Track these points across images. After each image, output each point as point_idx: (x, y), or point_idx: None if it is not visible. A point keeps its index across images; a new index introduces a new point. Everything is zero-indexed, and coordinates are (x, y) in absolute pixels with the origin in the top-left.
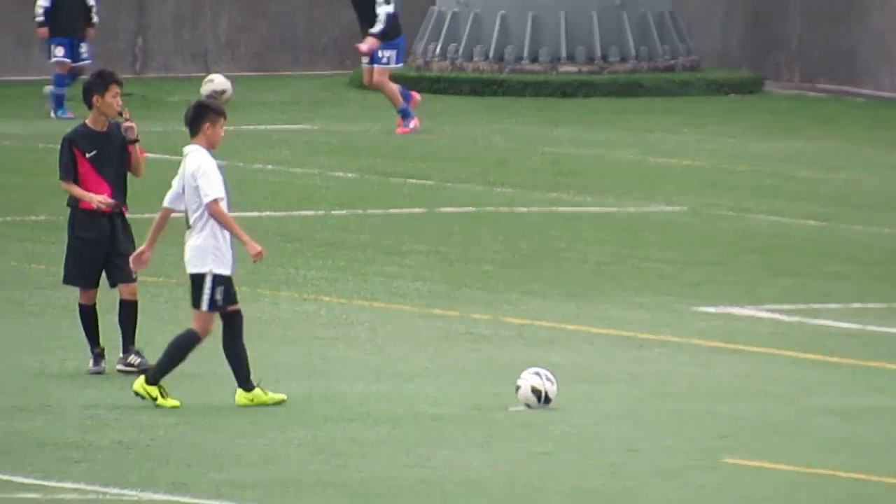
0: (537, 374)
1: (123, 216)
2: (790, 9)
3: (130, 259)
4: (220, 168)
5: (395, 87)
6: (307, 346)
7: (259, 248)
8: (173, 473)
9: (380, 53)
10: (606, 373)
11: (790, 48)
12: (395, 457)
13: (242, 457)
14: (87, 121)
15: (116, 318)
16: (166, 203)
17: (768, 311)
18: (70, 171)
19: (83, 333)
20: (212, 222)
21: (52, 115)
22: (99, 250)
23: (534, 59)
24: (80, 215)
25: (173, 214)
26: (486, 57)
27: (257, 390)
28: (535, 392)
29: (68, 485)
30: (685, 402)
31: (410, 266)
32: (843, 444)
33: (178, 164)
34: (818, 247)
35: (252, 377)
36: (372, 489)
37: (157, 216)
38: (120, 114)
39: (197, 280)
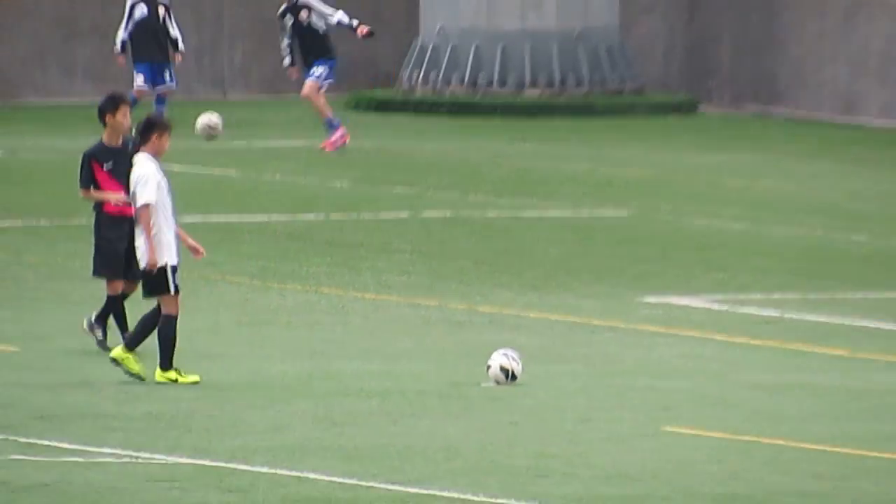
0: (505, 355)
1: (132, 219)
2: (721, 41)
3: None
4: (165, 174)
5: (323, 101)
6: (309, 330)
7: (155, 261)
8: (195, 440)
9: (313, 69)
10: (564, 354)
11: (721, 75)
12: (384, 426)
13: (254, 426)
14: (102, 137)
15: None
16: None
17: (702, 300)
18: (88, 181)
19: (114, 320)
20: (157, 219)
21: None
22: (121, 248)
23: (502, 85)
24: (104, 218)
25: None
26: (462, 83)
27: (172, 371)
28: (504, 371)
29: (106, 450)
30: (631, 379)
31: (397, 262)
32: (766, 414)
33: (199, 178)
34: (744, 245)
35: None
36: (364, 454)
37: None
38: (130, 130)
39: (159, 272)
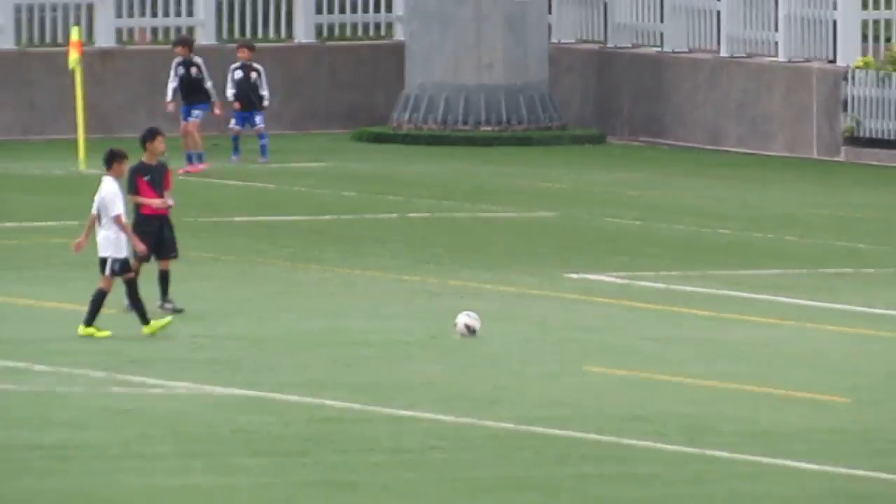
0: (468, 315)
1: (167, 217)
2: (622, 92)
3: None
4: (121, 188)
5: (199, 139)
6: (326, 299)
7: (143, 247)
8: (244, 377)
9: (194, 112)
10: (510, 315)
11: (622, 116)
12: (381, 367)
13: (286, 367)
14: (143, 158)
15: (158, 279)
16: (93, 211)
17: (610, 276)
18: (133, 189)
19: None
20: (110, 223)
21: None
22: (152, 238)
23: (465, 123)
24: (141, 217)
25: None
26: (436, 122)
27: (92, 328)
28: (467, 327)
29: (179, 384)
30: (559, 333)
31: (389, 250)
32: (656, 358)
33: (248, 189)
34: (640, 237)
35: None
36: (367, 387)
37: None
38: (163, 153)
39: (103, 260)
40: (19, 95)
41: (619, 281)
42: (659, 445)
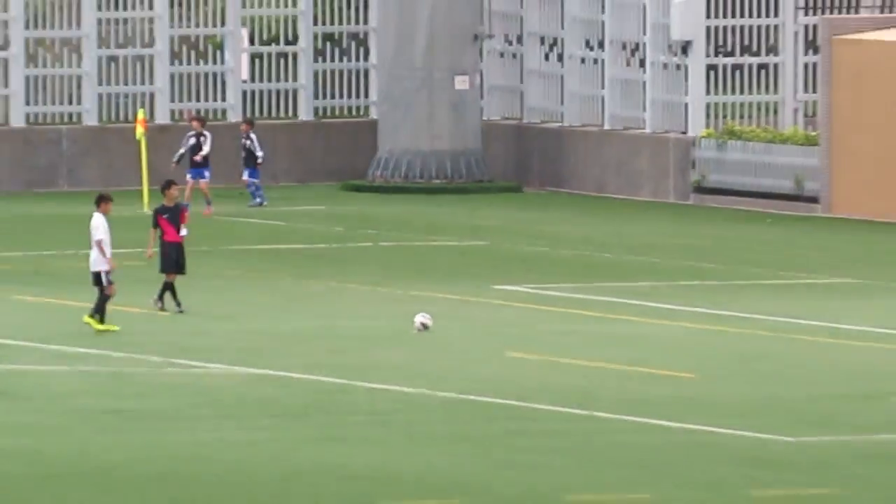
0: (423, 315)
1: (181, 244)
2: (534, 154)
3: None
4: (108, 222)
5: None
6: (322, 304)
7: (113, 266)
8: (264, 361)
9: (205, 172)
10: (452, 315)
11: (534, 171)
12: (360, 353)
13: (291, 352)
14: (164, 201)
15: (166, 286)
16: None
17: (525, 287)
18: (155, 223)
19: (170, 293)
20: (95, 245)
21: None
22: (173, 257)
23: (421, 178)
24: (164, 243)
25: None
26: (400, 177)
27: (93, 319)
28: (423, 324)
29: (216, 366)
30: (487, 327)
31: (368, 268)
32: (557, 345)
33: (265, 226)
34: (547, 260)
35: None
36: (350, 367)
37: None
38: (177, 198)
39: (97, 274)
40: (101, 159)
41: (531, 291)
42: (561, 409)
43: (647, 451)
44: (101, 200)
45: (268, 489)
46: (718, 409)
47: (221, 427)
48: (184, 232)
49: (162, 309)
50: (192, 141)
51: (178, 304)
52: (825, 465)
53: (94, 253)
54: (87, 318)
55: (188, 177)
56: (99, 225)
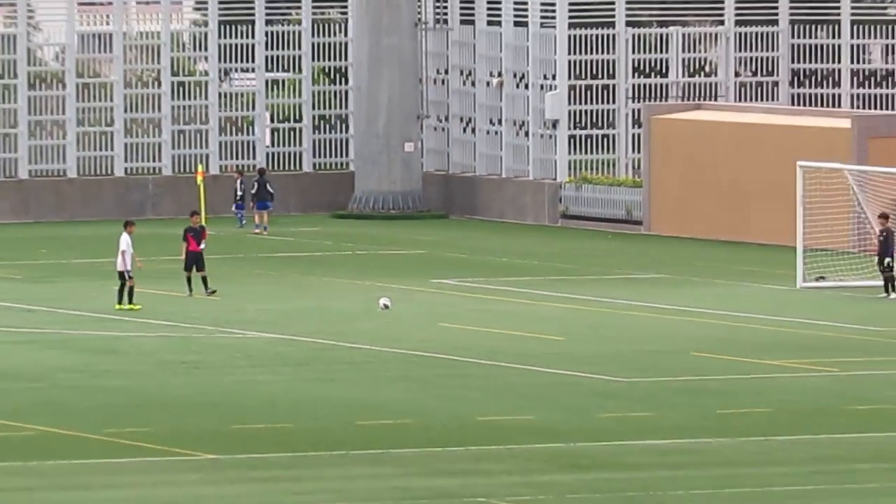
0: (385, 298)
1: (201, 252)
2: (456, 194)
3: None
4: (131, 238)
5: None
6: (318, 291)
7: (140, 266)
8: (279, 329)
9: (268, 204)
10: (405, 299)
11: (456, 205)
12: (341, 324)
13: (298, 323)
14: (191, 223)
15: (202, 281)
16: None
17: (452, 281)
18: (184, 238)
19: (188, 284)
20: (127, 256)
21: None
22: (192, 260)
23: (383, 209)
24: (189, 252)
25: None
26: (370, 209)
27: (121, 305)
28: (385, 305)
29: (250, 332)
30: (428, 308)
31: (349, 268)
32: (476, 319)
33: (279, 241)
34: (466, 263)
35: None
36: (337, 334)
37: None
38: (198, 222)
39: (121, 272)
40: (174, 197)
41: (456, 283)
42: (474, 360)
43: (532, 388)
44: (128, 224)
45: (283, 411)
46: (578, 360)
47: (253, 372)
48: (203, 245)
49: (190, 293)
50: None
51: (208, 290)
52: (648, 397)
53: (119, 259)
54: (117, 307)
55: (256, 207)
56: (123, 241)
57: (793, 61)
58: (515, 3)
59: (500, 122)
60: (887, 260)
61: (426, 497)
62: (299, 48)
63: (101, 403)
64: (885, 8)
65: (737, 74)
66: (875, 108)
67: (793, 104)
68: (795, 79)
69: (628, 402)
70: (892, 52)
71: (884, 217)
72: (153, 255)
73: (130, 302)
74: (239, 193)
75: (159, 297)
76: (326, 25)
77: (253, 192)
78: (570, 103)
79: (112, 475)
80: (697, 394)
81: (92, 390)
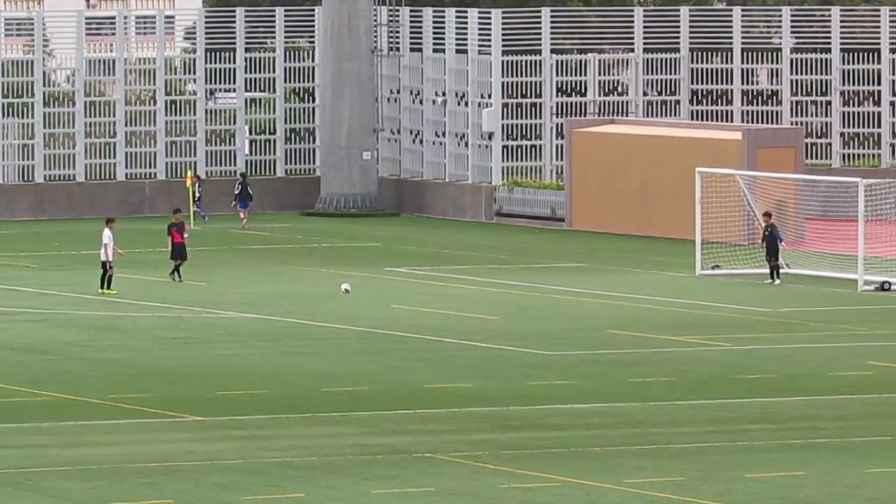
0: (347, 283)
1: (184, 244)
2: (407, 195)
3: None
4: (112, 233)
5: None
6: (292, 278)
7: (122, 255)
8: (258, 310)
9: (248, 204)
10: (364, 285)
11: (406, 205)
12: (313, 305)
13: (276, 305)
14: (173, 219)
15: (177, 269)
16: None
17: (405, 269)
18: (168, 232)
19: (176, 273)
20: (102, 247)
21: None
22: (177, 251)
23: (345, 208)
24: (174, 243)
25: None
26: (334, 208)
27: (104, 290)
28: (346, 290)
29: (232, 313)
30: (383, 292)
31: (316, 259)
32: (425, 302)
33: (258, 236)
34: (415, 253)
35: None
36: (308, 314)
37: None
38: (180, 218)
39: (104, 262)
40: (167, 199)
41: (406, 271)
42: (422, 336)
43: (471, 360)
44: (109, 221)
45: (259, 379)
46: (510, 336)
47: (234, 346)
48: (186, 235)
49: (175, 280)
50: (239, 186)
51: (181, 279)
52: (570, 368)
53: (101, 250)
54: (101, 291)
55: (238, 206)
56: (105, 235)
57: (692, 83)
58: (457, 33)
59: (444, 134)
60: (781, 248)
61: (381, 452)
62: (273, 72)
63: (105, 373)
64: (771, 38)
65: (645, 94)
66: (762, 122)
67: (692, 119)
68: (694, 97)
69: (553, 372)
70: (777, 75)
71: (767, 215)
72: (148, 246)
73: (108, 287)
74: (197, 195)
75: (153, 282)
76: (296, 53)
77: (237, 192)
78: (503, 118)
79: (114, 434)
80: (612, 365)
81: (97, 362)
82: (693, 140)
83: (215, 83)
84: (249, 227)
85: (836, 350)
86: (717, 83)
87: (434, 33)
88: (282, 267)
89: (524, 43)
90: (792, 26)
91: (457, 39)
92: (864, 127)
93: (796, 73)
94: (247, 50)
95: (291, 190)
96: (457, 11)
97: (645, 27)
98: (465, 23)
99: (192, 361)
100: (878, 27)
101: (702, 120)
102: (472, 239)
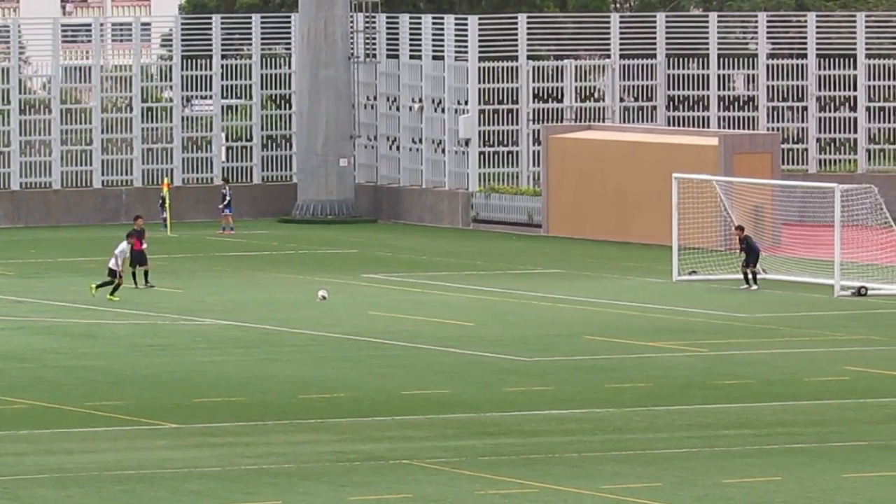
0: (323, 290)
1: (143, 251)
2: (384, 201)
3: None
4: (129, 247)
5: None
6: (268, 285)
7: (121, 268)
8: (233, 316)
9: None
10: (341, 291)
11: (384, 211)
12: (290, 312)
13: (251, 312)
14: (134, 227)
15: (143, 274)
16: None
17: (380, 275)
18: (128, 239)
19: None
20: (119, 257)
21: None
22: (136, 257)
23: (321, 215)
24: (133, 251)
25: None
26: (310, 214)
27: (93, 287)
28: (323, 296)
29: (208, 320)
30: (360, 298)
31: (292, 265)
32: (402, 308)
33: (237, 243)
34: (391, 260)
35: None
36: (284, 321)
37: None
38: (141, 225)
39: (111, 269)
40: (143, 205)
41: (383, 277)
42: (398, 342)
43: (448, 367)
44: (128, 235)
45: (236, 387)
46: (487, 343)
47: (210, 353)
48: (145, 245)
49: (140, 287)
50: (225, 193)
51: (148, 284)
52: (547, 373)
53: (112, 260)
54: (92, 287)
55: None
56: (122, 246)
57: (669, 88)
58: (433, 39)
59: (420, 140)
60: (759, 262)
61: (359, 459)
62: (250, 79)
63: (81, 381)
64: (747, 43)
65: (621, 100)
66: (739, 128)
67: (669, 125)
68: (671, 103)
69: (530, 378)
70: (753, 81)
71: (740, 229)
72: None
73: (113, 293)
74: (227, 198)
75: (130, 290)
76: (273, 60)
77: (230, 198)
78: (480, 125)
79: (91, 442)
80: (589, 371)
81: (73, 369)
82: (670, 146)
83: (192, 90)
84: (226, 233)
85: (812, 355)
86: (693, 89)
87: (411, 40)
88: (258, 274)
89: (501, 49)
90: (768, 32)
91: (433, 46)
92: (840, 132)
93: (772, 79)
94: (223, 57)
95: (268, 197)
96: (433, 18)
97: (621, 33)
98: (442, 29)
99: (169, 369)
100: (854, 32)
101: (678, 126)
102: (448, 245)
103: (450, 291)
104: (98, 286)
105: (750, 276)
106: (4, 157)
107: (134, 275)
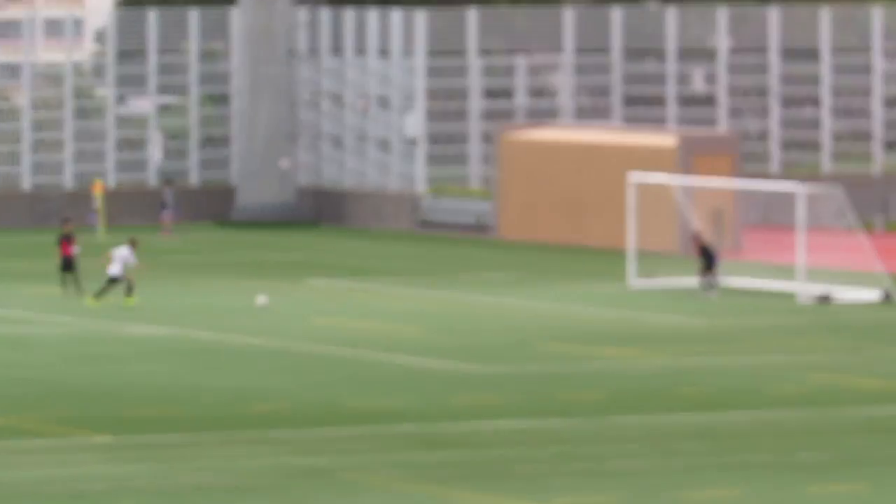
0: (263, 296)
1: (73, 256)
2: (329, 205)
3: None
4: (132, 252)
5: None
6: (207, 289)
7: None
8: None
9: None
10: (288, 298)
11: (327, 214)
12: (228, 317)
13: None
14: (63, 230)
15: (75, 281)
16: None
17: (321, 280)
18: (58, 244)
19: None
20: (116, 262)
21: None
22: (66, 264)
23: (260, 218)
24: (62, 252)
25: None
26: (251, 218)
27: (92, 299)
28: (262, 303)
29: (140, 326)
30: (311, 305)
31: (232, 270)
32: (352, 314)
33: (177, 262)
34: (359, 264)
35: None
36: (222, 327)
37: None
38: (70, 228)
39: (112, 277)
40: (75, 209)
41: (327, 283)
42: (346, 351)
43: (393, 376)
44: (132, 242)
45: (172, 398)
46: (434, 351)
47: (145, 363)
48: (74, 249)
49: (71, 293)
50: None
51: (79, 291)
52: (497, 383)
53: (113, 264)
54: (90, 298)
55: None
56: (121, 251)
57: (625, 86)
58: (379, 35)
59: (366, 140)
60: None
61: (300, 474)
62: (188, 76)
63: (9, 393)
64: (706, 39)
65: (575, 98)
66: (698, 126)
67: (625, 124)
68: (628, 101)
69: (479, 388)
70: (713, 78)
71: (696, 236)
72: (50, 258)
73: (128, 296)
74: (168, 201)
75: (57, 298)
76: (212, 56)
77: (170, 201)
78: (428, 123)
79: (18, 456)
80: (541, 380)
81: (1, 380)
82: (626, 146)
83: (126, 88)
84: (163, 237)
85: (774, 364)
86: (651, 86)
87: (355, 35)
88: (195, 279)
89: (449, 45)
90: (729, 27)
91: (379, 41)
92: (803, 130)
93: (733, 75)
94: (160, 53)
95: (206, 199)
96: (379, 12)
97: (576, 28)
98: (388, 24)
99: (101, 379)
100: (817, 28)
101: (635, 125)
102: (394, 249)
103: (396, 298)
104: (97, 295)
105: (707, 282)
106: None
107: (63, 281)
